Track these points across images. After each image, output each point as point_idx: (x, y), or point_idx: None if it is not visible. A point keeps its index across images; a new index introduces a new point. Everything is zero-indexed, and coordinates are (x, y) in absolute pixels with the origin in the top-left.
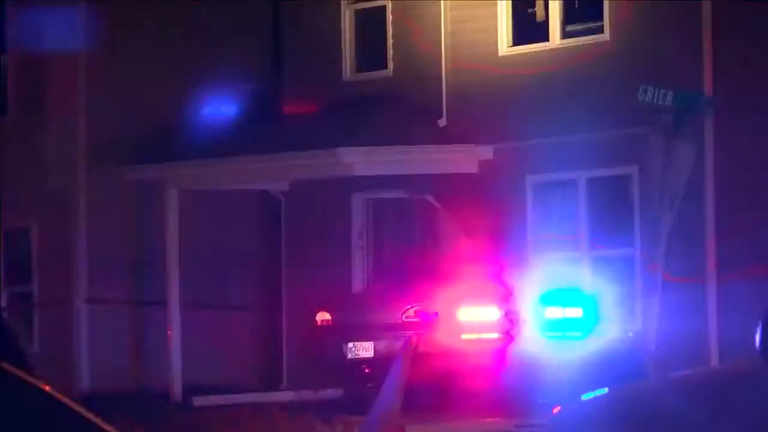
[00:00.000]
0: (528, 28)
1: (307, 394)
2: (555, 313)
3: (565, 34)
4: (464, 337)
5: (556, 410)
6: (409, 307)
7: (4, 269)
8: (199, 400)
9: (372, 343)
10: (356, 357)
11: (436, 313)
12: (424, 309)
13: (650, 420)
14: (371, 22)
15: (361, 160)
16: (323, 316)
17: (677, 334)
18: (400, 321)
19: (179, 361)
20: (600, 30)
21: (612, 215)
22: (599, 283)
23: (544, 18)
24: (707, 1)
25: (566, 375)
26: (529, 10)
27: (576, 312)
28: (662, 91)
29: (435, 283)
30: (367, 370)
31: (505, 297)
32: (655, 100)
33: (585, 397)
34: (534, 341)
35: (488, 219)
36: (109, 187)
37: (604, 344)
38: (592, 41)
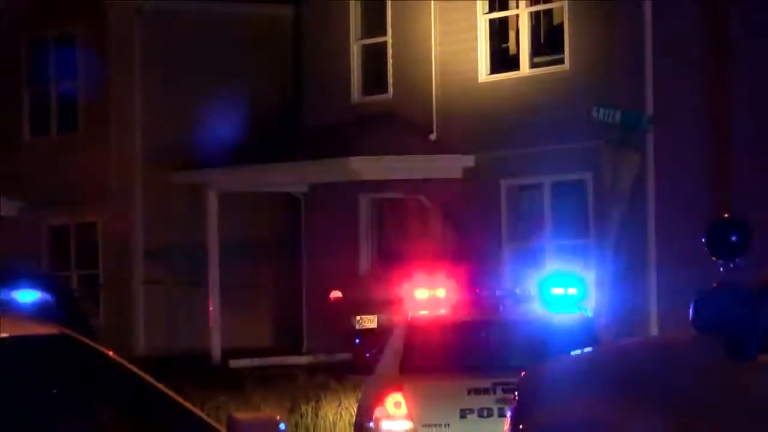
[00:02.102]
0: (503, 59)
1: (323, 358)
2: (541, 292)
3: (532, 65)
4: (451, 311)
5: (524, 372)
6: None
7: (76, 256)
8: (234, 363)
9: (375, 316)
10: (363, 327)
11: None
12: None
13: (604, 377)
14: (375, 55)
15: (366, 167)
16: (336, 294)
17: (625, 310)
18: (398, 298)
19: (218, 331)
20: (561, 61)
21: (571, 212)
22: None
23: (515, 51)
24: (649, 38)
25: (536, 344)
26: (503, 45)
27: (571, 291)
28: (611, 111)
29: (427, 267)
30: (371, 338)
31: (486, 278)
32: (605, 119)
33: (550, 360)
34: (517, 317)
35: (470, 215)
36: (160, 188)
37: (565, 319)
38: (554, 70)
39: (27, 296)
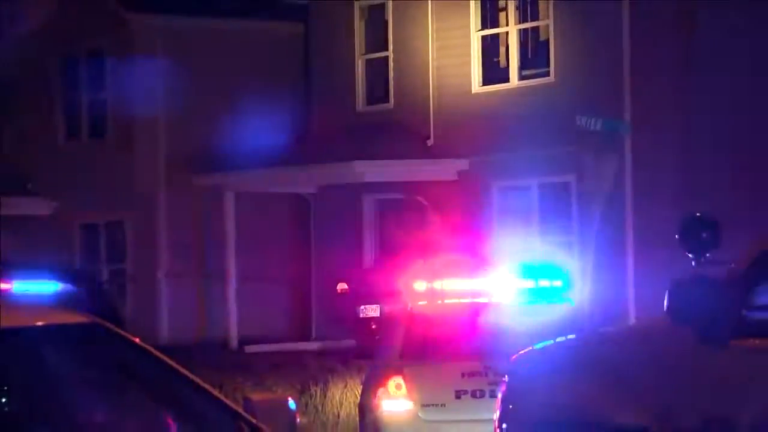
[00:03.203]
0: (494, 72)
1: (330, 344)
2: (528, 283)
3: (521, 77)
4: (447, 302)
5: (513, 357)
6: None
7: (105, 252)
8: (250, 348)
9: (378, 305)
10: (366, 316)
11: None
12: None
13: (587, 361)
14: (378, 67)
15: (370, 170)
16: (342, 286)
17: (605, 300)
18: (399, 290)
19: (235, 319)
20: (547, 74)
21: (556, 211)
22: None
23: (505, 65)
24: (627, 51)
25: (525, 331)
26: (494, 59)
27: (547, 282)
28: (593, 118)
29: (425, 261)
30: (374, 326)
31: (478, 272)
32: (588, 125)
33: (537, 346)
34: (506, 306)
35: (465, 214)
36: (182, 189)
37: (549, 308)
38: (541, 82)
39: (48, 287)
